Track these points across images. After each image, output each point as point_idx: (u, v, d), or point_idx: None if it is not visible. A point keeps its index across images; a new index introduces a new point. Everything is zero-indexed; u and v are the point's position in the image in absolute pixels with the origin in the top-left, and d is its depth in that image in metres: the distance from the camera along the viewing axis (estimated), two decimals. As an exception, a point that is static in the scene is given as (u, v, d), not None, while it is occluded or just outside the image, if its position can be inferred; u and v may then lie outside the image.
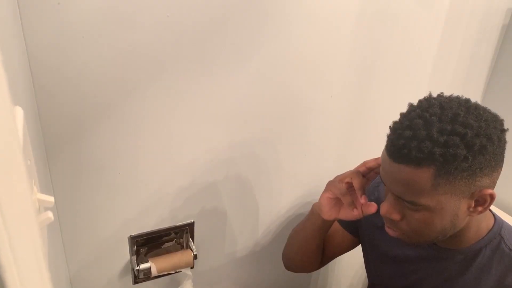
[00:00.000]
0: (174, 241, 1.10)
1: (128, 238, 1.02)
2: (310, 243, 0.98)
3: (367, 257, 1.03)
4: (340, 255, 1.07)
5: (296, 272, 1.10)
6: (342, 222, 1.03)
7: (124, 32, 0.80)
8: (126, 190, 0.96)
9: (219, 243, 1.19)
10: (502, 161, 0.69)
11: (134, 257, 1.04)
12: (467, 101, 0.69)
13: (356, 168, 0.86)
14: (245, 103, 1.00)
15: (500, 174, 0.70)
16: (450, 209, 0.68)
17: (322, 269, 1.14)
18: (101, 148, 0.88)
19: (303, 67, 1.03)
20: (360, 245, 1.05)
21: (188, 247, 1.10)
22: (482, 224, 0.78)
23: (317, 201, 0.91)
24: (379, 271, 0.98)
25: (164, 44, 0.84)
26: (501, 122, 0.68)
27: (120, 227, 1.00)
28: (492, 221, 0.80)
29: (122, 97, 0.85)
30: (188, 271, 1.10)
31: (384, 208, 0.74)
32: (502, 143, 0.67)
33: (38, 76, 0.76)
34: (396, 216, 0.73)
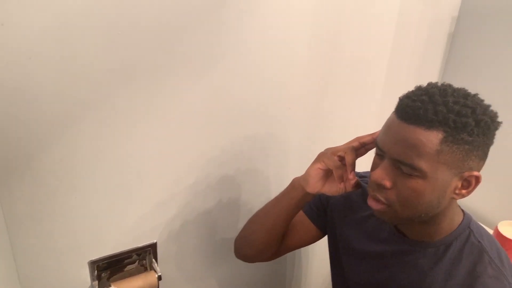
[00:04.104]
0: (137, 263, 1.07)
1: (88, 263, 0.98)
2: (279, 222, 0.96)
3: (335, 254, 1.03)
4: (300, 247, 1.06)
5: (249, 260, 1.06)
6: (309, 214, 1.03)
7: (74, 50, 0.78)
8: (83, 214, 0.93)
9: (184, 262, 1.17)
10: (487, 154, 0.73)
11: (96, 283, 1.00)
12: (470, 91, 0.74)
13: (349, 143, 0.86)
14: (202, 118, 1.00)
15: (483, 166, 0.74)
16: (442, 183, 0.71)
17: (296, 271, 1.13)
18: (54, 172, 0.85)
19: (260, 79, 1.04)
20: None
21: (152, 268, 1.08)
22: (455, 216, 0.81)
23: (298, 176, 0.91)
24: (350, 267, 0.98)
25: (117, 61, 0.83)
26: (497, 113, 0.72)
27: (79, 252, 0.96)
28: (461, 215, 0.83)
29: (74, 117, 0.83)
30: (153, 293, 1.07)
31: (377, 173, 0.74)
32: (494, 133, 0.72)
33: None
34: (387, 182, 0.74)
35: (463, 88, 0.73)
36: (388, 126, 0.74)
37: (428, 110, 0.67)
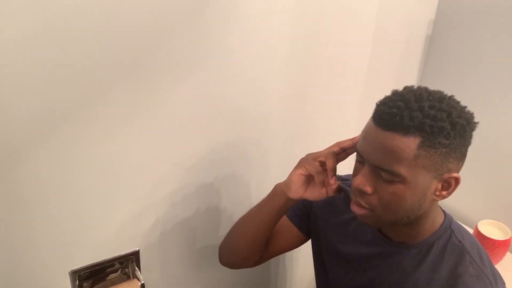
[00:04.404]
0: (119, 271, 1.05)
1: (69, 273, 0.96)
2: (262, 229, 0.96)
3: (319, 258, 1.03)
4: (284, 252, 1.06)
5: (233, 267, 1.06)
6: (293, 218, 1.03)
7: (53, 59, 0.76)
8: (63, 222, 0.91)
9: (167, 269, 1.15)
10: (466, 154, 0.74)
11: (77, 293, 0.99)
12: (446, 93, 0.74)
13: (330, 148, 0.86)
14: (182, 124, 0.99)
15: (462, 166, 0.75)
16: (422, 186, 0.72)
17: (280, 275, 1.13)
18: (32, 180, 0.83)
19: (241, 84, 1.04)
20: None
21: (135, 276, 1.06)
22: (436, 217, 0.82)
23: (280, 182, 0.92)
24: (334, 270, 0.99)
25: (96, 69, 0.82)
26: (473, 114, 0.73)
27: (59, 262, 0.94)
28: (442, 216, 0.84)
29: (52, 125, 0.81)
30: (136, 302, 1.05)
31: (358, 180, 0.75)
32: (472, 134, 0.73)
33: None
34: (368, 188, 0.74)
35: (439, 91, 0.74)
36: (366, 132, 0.75)
37: (404, 116, 0.68)
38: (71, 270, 0.96)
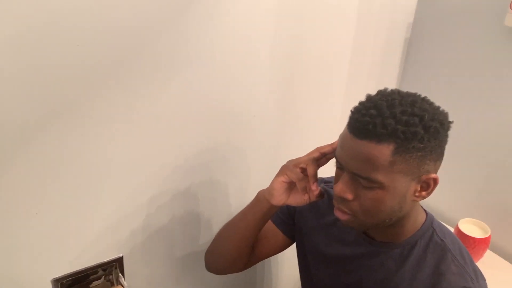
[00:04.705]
0: (103, 278, 1.04)
1: (51, 281, 0.94)
2: (247, 235, 0.96)
3: (304, 260, 1.03)
4: (270, 256, 1.07)
5: (220, 273, 1.06)
6: (277, 222, 1.04)
7: (35, 57, 0.75)
8: (44, 229, 0.89)
9: (152, 275, 1.14)
10: (443, 153, 0.75)
11: (60, 301, 0.97)
12: (419, 94, 0.75)
13: (310, 154, 0.87)
14: (164, 129, 0.98)
15: (440, 165, 0.76)
16: (401, 190, 0.73)
17: (266, 279, 1.12)
18: (11, 186, 0.82)
19: (224, 88, 1.04)
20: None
21: (119, 283, 1.05)
22: (418, 217, 0.84)
23: (263, 189, 0.92)
24: (319, 272, 1.00)
25: (78, 71, 0.80)
26: (447, 114, 0.75)
27: (41, 270, 0.92)
28: (424, 215, 0.86)
29: (32, 131, 0.80)
30: (120, 309, 1.04)
31: (339, 187, 0.76)
32: (447, 133, 0.74)
33: None
34: (349, 195, 0.76)
35: (412, 94, 0.74)
36: (342, 140, 0.76)
37: (377, 125, 0.69)
38: (53, 278, 0.94)
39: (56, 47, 0.77)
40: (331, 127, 1.30)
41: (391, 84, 1.48)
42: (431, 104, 0.74)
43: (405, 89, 1.43)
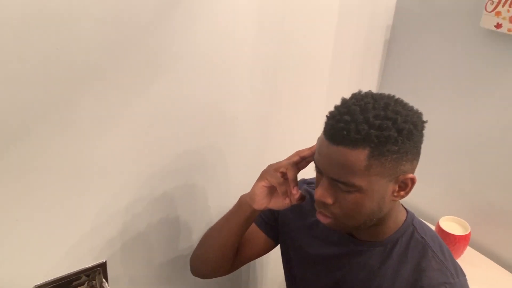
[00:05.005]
0: (86, 284, 1.03)
1: (33, 288, 0.93)
2: (231, 240, 0.97)
3: (288, 261, 1.04)
4: (255, 258, 1.08)
5: (205, 277, 1.07)
6: (261, 225, 1.04)
7: (14, 66, 0.74)
8: (26, 236, 0.88)
9: (136, 280, 1.13)
10: (420, 152, 0.77)
11: (42, 309, 0.95)
12: (393, 95, 0.76)
13: (290, 158, 0.88)
14: (143, 132, 0.98)
15: (417, 164, 0.77)
16: (379, 191, 0.75)
17: (251, 281, 1.12)
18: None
19: (204, 90, 1.04)
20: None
21: (103, 288, 1.04)
22: (398, 215, 0.85)
23: (245, 194, 0.93)
24: (303, 273, 1.00)
25: (57, 75, 0.80)
26: (421, 114, 0.76)
27: (23, 277, 0.91)
28: (405, 213, 0.87)
29: (10, 136, 0.79)
30: (104, 315, 1.03)
31: (319, 192, 0.78)
32: (422, 133, 0.75)
33: None
34: (329, 200, 0.77)
35: (385, 96, 0.75)
36: (319, 146, 0.77)
37: (351, 130, 0.70)
38: (36, 286, 0.93)
39: (38, 49, 0.76)
40: (314, 129, 1.31)
41: (371, 85, 1.50)
42: (404, 105, 0.75)
43: (385, 90, 1.45)
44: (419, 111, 0.76)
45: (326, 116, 0.76)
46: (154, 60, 0.92)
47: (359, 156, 0.71)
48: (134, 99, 0.93)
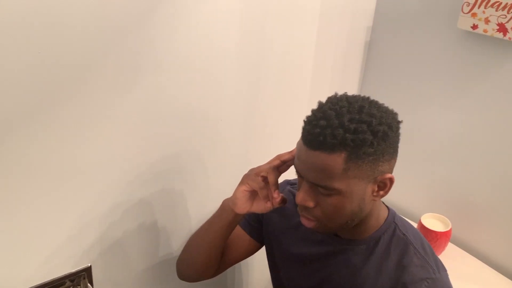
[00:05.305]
0: (71, 289, 1.02)
1: (17, 295, 0.92)
2: (215, 244, 0.97)
3: (274, 262, 1.05)
4: (240, 260, 1.08)
5: (191, 280, 1.07)
6: (245, 227, 1.05)
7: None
8: (8, 242, 0.87)
9: (121, 284, 1.13)
10: (397, 151, 0.78)
11: (26, 315, 0.94)
12: (368, 97, 0.78)
13: (270, 162, 0.89)
14: (126, 134, 0.98)
15: (395, 162, 0.79)
16: (358, 193, 0.76)
17: (237, 283, 1.12)
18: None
19: (189, 92, 1.04)
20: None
21: (88, 293, 1.03)
22: (380, 213, 0.87)
23: (227, 198, 0.93)
24: (288, 273, 1.01)
25: (36, 76, 0.79)
26: (396, 114, 0.77)
27: (6, 284, 0.90)
28: (386, 211, 0.89)
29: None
30: (90, 320, 1.02)
31: (300, 196, 0.79)
32: (398, 133, 0.77)
33: None
34: (310, 203, 0.78)
35: (360, 98, 0.77)
36: (299, 151, 0.78)
37: (327, 135, 0.71)
38: (19, 292, 0.92)
39: (23, 50, 0.76)
40: (297, 131, 1.32)
41: (353, 86, 1.52)
42: (379, 107, 0.76)
43: (367, 90, 1.47)
44: (394, 112, 0.78)
45: (304, 121, 0.77)
46: (135, 62, 0.92)
47: (337, 160, 0.72)
48: (113, 102, 0.92)
